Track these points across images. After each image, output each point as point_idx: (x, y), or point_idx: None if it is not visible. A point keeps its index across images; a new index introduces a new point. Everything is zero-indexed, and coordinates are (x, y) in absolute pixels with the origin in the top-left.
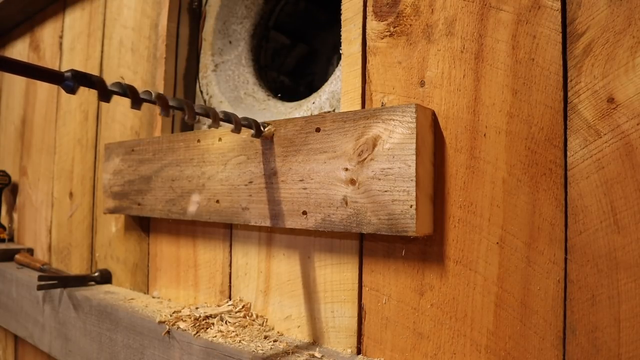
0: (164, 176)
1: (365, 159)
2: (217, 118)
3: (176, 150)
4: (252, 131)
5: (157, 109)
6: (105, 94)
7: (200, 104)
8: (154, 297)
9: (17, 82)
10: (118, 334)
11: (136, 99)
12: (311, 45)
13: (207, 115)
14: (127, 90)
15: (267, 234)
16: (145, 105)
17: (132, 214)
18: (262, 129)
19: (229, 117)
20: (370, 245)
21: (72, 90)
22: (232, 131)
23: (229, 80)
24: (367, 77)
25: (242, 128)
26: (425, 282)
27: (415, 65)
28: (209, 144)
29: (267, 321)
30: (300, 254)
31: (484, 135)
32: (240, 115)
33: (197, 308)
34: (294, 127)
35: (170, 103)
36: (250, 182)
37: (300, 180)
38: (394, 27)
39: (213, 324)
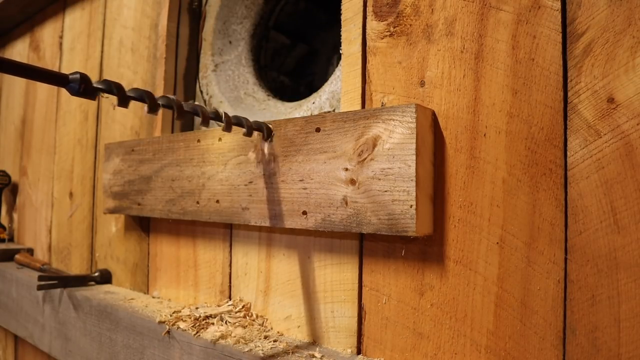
0: (164, 176)
1: (365, 159)
2: (206, 116)
3: (176, 150)
4: (244, 130)
5: None
6: (91, 92)
7: (189, 102)
8: (154, 297)
9: (17, 82)
10: (118, 334)
11: (123, 97)
12: (311, 45)
13: (197, 114)
14: (114, 88)
15: (267, 234)
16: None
17: (132, 214)
18: (253, 127)
19: (218, 116)
20: (370, 245)
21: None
22: (223, 130)
23: (229, 80)
24: (367, 77)
25: (235, 127)
26: (425, 282)
27: (415, 65)
28: (209, 144)
29: (267, 321)
30: (300, 254)
31: (484, 135)
32: (240, 115)
33: (197, 308)
34: (294, 127)
35: (159, 101)
36: (250, 182)
37: (300, 180)
38: (394, 27)
39: (213, 324)
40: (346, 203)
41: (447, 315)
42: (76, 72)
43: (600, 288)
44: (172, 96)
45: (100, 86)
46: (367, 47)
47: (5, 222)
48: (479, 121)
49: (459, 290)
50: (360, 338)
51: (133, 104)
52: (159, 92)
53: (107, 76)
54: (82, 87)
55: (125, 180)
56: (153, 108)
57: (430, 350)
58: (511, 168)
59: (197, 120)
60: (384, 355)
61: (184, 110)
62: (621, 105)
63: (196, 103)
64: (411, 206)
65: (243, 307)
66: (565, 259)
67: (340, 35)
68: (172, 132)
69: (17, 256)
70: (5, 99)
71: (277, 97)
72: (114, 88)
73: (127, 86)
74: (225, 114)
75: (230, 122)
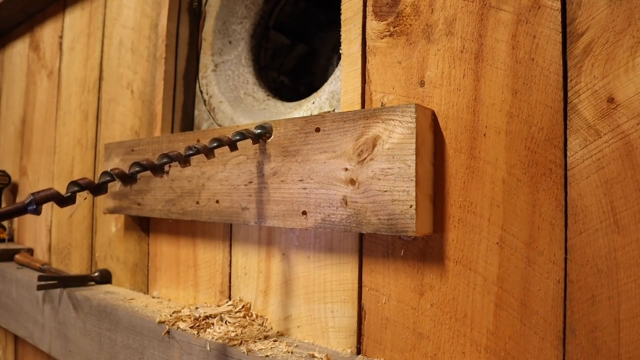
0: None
1: (365, 159)
2: (209, 150)
3: (176, 150)
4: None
5: (157, 108)
6: (64, 202)
7: (162, 156)
8: (153, 297)
9: (17, 82)
10: (118, 334)
11: (97, 188)
12: (311, 45)
13: (199, 152)
14: (84, 185)
15: (267, 234)
16: (144, 104)
17: (132, 214)
18: (257, 133)
19: (220, 142)
20: (370, 245)
21: (37, 212)
22: (230, 151)
23: (229, 80)
24: (366, 77)
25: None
26: (425, 282)
27: (415, 65)
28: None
29: (267, 321)
30: (300, 254)
31: (484, 135)
32: (240, 115)
33: (197, 308)
34: (294, 127)
35: (132, 170)
36: (250, 182)
37: (300, 180)
38: (394, 27)
39: (213, 324)
40: (346, 203)
41: (447, 315)
42: (30, 196)
43: (600, 288)
44: (143, 161)
45: (74, 189)
46: (367, 47)
47: (5, 222)
48: (479, 121)
49: (458, 290)
50: (360, 338)
51: (132, 101)
52: (158, 92)
53: (107, 76)
54: (39, 207)
55: None
56: (127, 181)
57: (430, 350)
58: (511, 168)
59: (197, 120)
60: (384, 355)
61: (158, 165)
62: (621, 105)
63: (171, 152)
64: (411, 206)
65: (243, 307)
66: (565, 259)
67: (340, 35)
68: (172, 132)
69: (17, 256)
70: (5, 99)
71: (277, 97)
72: (83, 185)
73: (127, 86)
74: (200, 145)
75: (210, 149)
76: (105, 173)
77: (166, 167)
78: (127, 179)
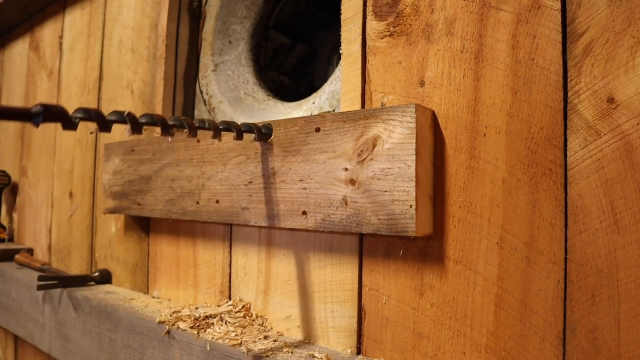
0: (164, 176)
1: (365, 159)
2: (192, 127)
3: (176, 150)
4: (234, 134)
5: (157, 108)
6: (69, 125)
7: (172, 117)
8: (153, 297)
9: (17, 82)
10: (118, 334)
11: (104, 123)
12: (311, 45)
13: (182, 126)
14: (93, 115)
15: (267, 234)
16: (145, 104)
17: (132, 214)
18: (243, 130)
19: (204, 125)
20: (370, 245)
21: (37, 125)
22: (235, 139)
23: (229, 80)
24: (366, 77)
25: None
26: (425, 282)
27: (415, 65)
28: (209, 143)
29: (267, 321)
30: (300, 254)
31: (484, 135)
32: (240, 115)
33: (197, 308)
34: (294, 127)
35: (141, 120)
36: (250, 182)
37: (300, 180)
38: (394, 27)
39: (213, 324)
40: (346, 203)
41: (447, 315)
42: (40, 106)
43: (600, 288)
44: (155, 114)
45: (79, 115)
46: (367, 47)
47: (5, 222)
48: (479, 121)
49: (458, 290)
50: (360, 338)
51: (132, 101)
52: (158, 92)
53: (107, 76)
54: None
55: (125, 180)
56: (136, 128)
57: (430, 350)
58: (511, 168)
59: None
60: (384, 355)
61: (168, 124)
62: (621, 105)
63: (182, 117)
64: (411, 206)
65: (243, 307)
66: (565, 259)
67: (340, 35)
68: None
69: (17, 256)
70: (5, 99)
71: (277, 97)
72: (92, 115)
73: (127, 86)
74: (210, 121)
75: (218, 129)
76: (115, 112)
77: (172, 130)
78: (137, 125)
